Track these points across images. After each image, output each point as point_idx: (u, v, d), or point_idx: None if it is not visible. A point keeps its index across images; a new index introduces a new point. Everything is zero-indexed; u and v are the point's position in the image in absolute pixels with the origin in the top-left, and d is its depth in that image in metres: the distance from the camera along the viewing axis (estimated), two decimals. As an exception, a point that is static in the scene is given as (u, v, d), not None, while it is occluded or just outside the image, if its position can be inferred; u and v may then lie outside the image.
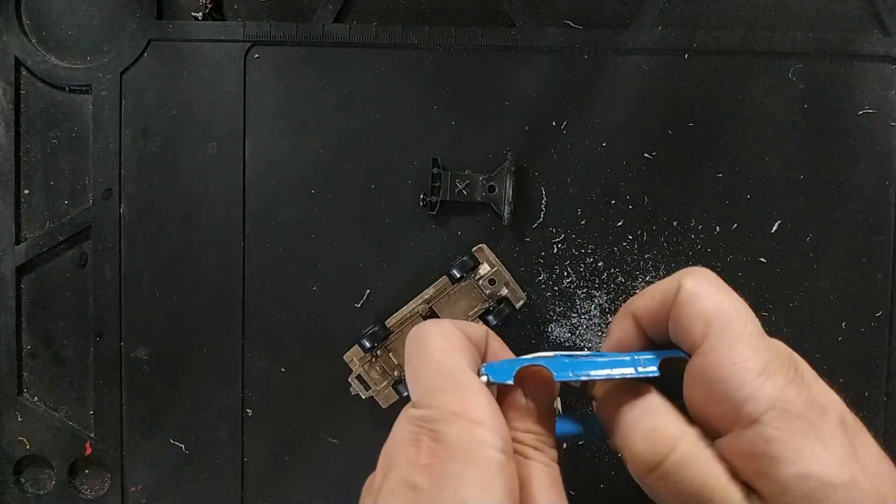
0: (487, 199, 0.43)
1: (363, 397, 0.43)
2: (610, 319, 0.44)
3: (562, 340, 0.44)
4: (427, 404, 0.23)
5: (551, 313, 0.44)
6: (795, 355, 0.25)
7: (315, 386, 0.45)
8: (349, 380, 0.44)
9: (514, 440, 0.24)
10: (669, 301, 0.25)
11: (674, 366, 0.25)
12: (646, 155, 0.44)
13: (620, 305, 0.44)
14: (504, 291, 0.43)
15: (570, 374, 0.25)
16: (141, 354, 0.45)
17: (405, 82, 0.44)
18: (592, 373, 0.25)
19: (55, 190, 0.45)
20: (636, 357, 0.25)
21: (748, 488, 0.23)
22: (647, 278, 0.44)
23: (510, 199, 0.43)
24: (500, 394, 0.25)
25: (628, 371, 0.25)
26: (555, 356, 0.25)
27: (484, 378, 0.24)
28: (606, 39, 0.43)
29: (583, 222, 0.44)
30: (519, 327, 0.44)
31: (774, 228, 0.43)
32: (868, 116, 0.43)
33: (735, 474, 0.23)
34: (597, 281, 0.44)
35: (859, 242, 0.43)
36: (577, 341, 0.44)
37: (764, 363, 0.23)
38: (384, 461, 0.23)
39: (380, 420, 0.44)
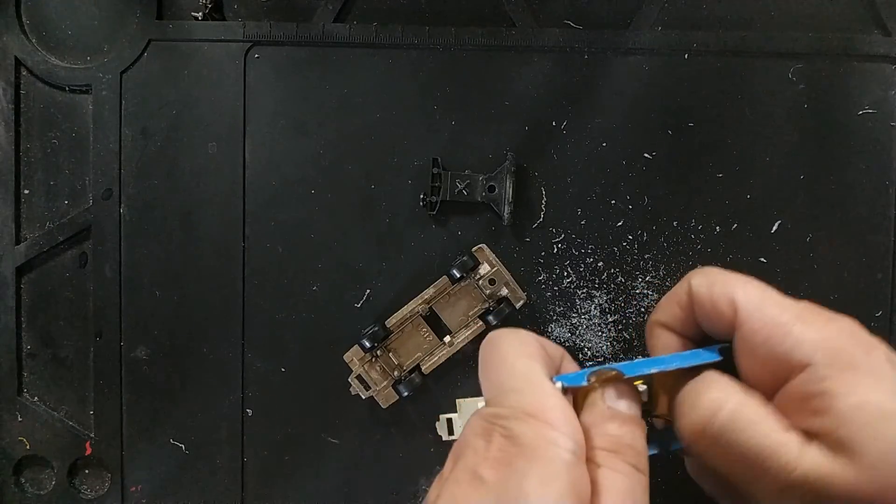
0: (487, 199, 0.43)
1: (363, 397, 0.43)
2: (610, 319, 0.44)
3: (562, 340, 0.44)
4: (500, 403, 0.23)
5: (551, 313, 0.44)
6: (827, 309, 0.25)
7: (315, 386, 0.45)
8: (349, 380, 0.44)
9: (592, 445, 0.24)
10: (685, 301, 0.26)
11: (728, 354, 0.26)
12: (646, 155, 0.44)
13: (620, 305, 0.44)
14: (504, 291, 0.43)
15: (641, 370, 0.25)
16: (141, 354, 0.45)
17: (405, 82, 0.44)
18: (661, 367, 0.25)
19: (55, 190, 0.45)
20: (695, 351, 0.26)
21: (805, 438, 0.23)
22: (646, 278, 0.44)
23: (510, 199, 0.43)
24: (578, 401, 0.25)
25: (693, 361, 0.26)
26: (621, 364, 0.26)
27: (559, 384, 0.25)
28: (606, 39, 0.43)
29: (583, 222, 0.44)
30: (519, 327, 0.44)
31: (774, 228, 0.43)
32: (868, 116, 0.43)
33: (792, 426, 0.23)
34: (597, 281, 0.44)
35: (859, 242, 0.43)
36: (577, 341, 0.44)
37: (795, 314, 0.24)
38: (453, 456, 0.24)
39: (380, 420, 0.44)
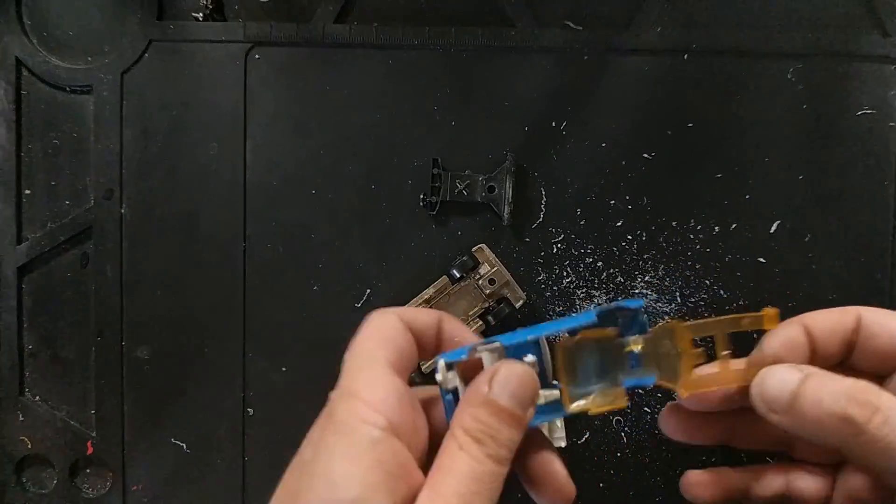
0: (487, 199, 0.43)
1: (363, 397, 0.44)
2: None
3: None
4: (337, 386, 0.25)
5: (551, 313, 0.44)
6: None
7: (315, 386, 0.45)
8: (349, 379, 0.44)
9: (460, 426, 0.23)
10: (849, 326, 0.26)
11: (605, 318, 0.26)
12: (646, 155, 0.44)
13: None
14: (504, 291, 0.43)
15: (522, 339, 0.25)
16: (142, 354, 0.45)
17: (405, 82, 0.44)
18: (538, 334, 0.25)
19: (56, 190, 0.45)
20: (574, 316, 0.26)
21: None
22: (646, 278, 0.44)
23: (510, 199, 0.43)
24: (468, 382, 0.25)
25: (574, 324, 0.25)
26: (516, 332, 0.25)
27: (441, 362, 0.25)
28: (606, 39, 0.43)
29: (583, 222, 0.44)
30: (519, 327, 0.44)
31: (774, 228, 0.43)
32: (868, 116, 0.43)
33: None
34: (596, 281, 0.44)
35: (859, 242, 0.43)
36: (577, 341, 0.44)
37: None
38: None
39: (380, 420, 0.44)
